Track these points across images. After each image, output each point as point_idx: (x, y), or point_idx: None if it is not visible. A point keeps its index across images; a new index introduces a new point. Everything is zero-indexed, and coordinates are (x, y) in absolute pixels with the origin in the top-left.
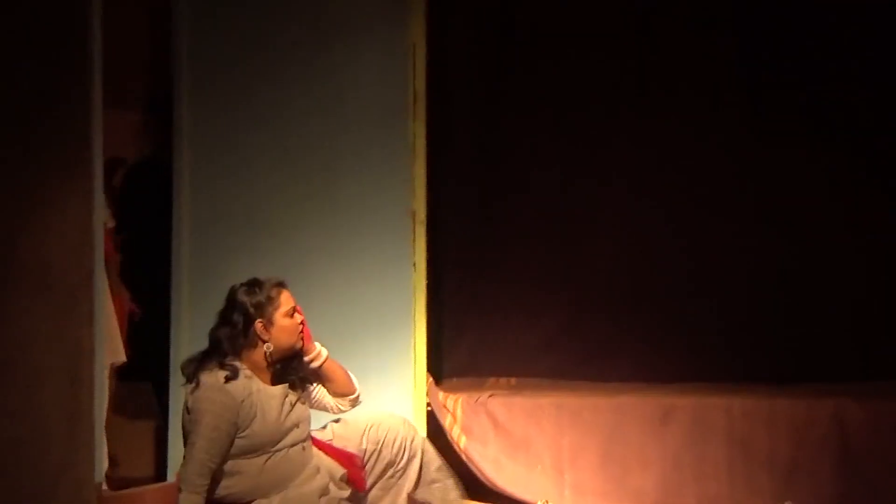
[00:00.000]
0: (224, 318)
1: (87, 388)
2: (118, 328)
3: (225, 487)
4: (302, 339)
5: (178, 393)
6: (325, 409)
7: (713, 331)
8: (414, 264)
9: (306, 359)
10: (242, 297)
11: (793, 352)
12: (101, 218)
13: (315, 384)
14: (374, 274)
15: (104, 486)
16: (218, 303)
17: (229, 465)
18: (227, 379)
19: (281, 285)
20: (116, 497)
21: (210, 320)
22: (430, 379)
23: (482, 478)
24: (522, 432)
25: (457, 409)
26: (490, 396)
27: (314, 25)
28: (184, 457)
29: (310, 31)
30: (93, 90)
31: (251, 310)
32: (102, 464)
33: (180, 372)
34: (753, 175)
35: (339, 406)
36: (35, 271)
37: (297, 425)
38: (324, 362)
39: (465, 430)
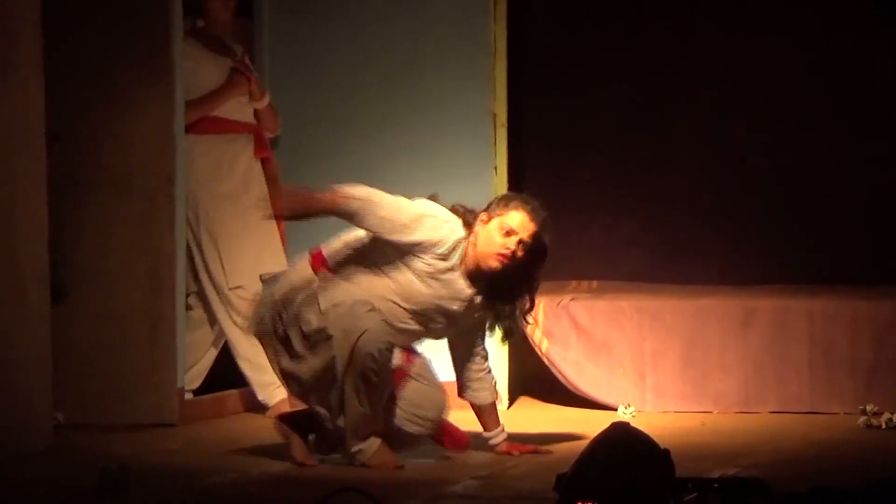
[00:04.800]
0: None
1: (169, 294)
2: (279, 242)
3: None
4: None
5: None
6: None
7: (796, 232)
8: (495, 167)
9: None
10: None
11: (876, 254)
12: (183, 123)
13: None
14: (456, 176)
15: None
16: None
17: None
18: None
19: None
20: (198, 402)
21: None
22: None
23: (564, 381)
24: (604, 336)
25: (538, 313)
26: (571, 300)
27: None
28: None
29: None
30: None
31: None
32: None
33: None
34: (842, 78)
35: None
36: (118, 176)
37: (447, 316)
38: None
39: (547, 333)
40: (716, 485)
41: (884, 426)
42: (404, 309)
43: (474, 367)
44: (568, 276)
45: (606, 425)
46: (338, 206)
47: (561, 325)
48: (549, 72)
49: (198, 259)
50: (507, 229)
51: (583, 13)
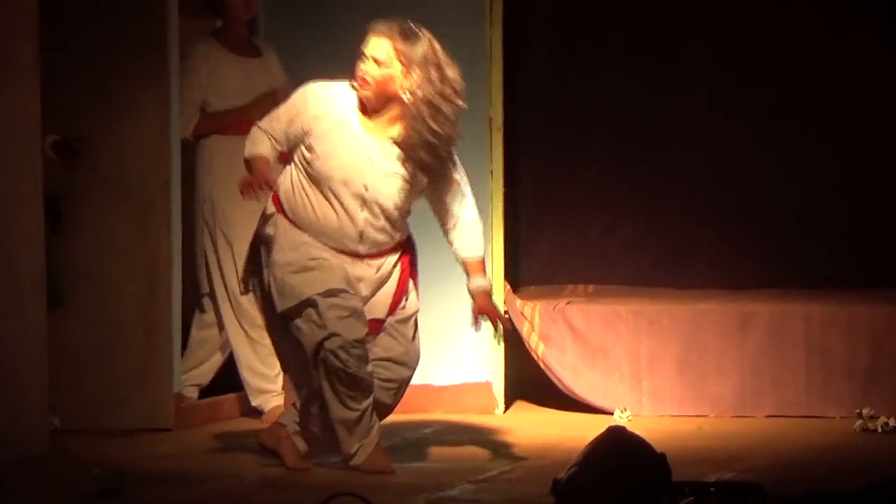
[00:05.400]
0: None
1: (165, 298)
2: None
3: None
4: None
5: None
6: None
7: (793, 236)
8: (491, 172)
9: None
10: None
11: (873, 258)
12: (178, 126)
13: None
14: None
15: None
16: None
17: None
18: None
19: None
20: (194, 406)
21: None
22: (508, 286)
23: (560, 385)
24: (600, 340)
25: (535, 317)
26: (568, 304)
27: None
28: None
29: None
30: None
31: None
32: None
33: None
34: (843, 80)
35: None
36: (114, 180)
37: (381, 175)
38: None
39: (543, 337)
40: (712, 489)
41: (880, 430)
42: (348, 191)
43: (450, 221)
44: (564, 281)
45: (603, 429)
46: (266, 161)
47: (557, 329)
48: (545, 76)
49: (212, 260)
50: (362, 56)
51: (579, 17)
